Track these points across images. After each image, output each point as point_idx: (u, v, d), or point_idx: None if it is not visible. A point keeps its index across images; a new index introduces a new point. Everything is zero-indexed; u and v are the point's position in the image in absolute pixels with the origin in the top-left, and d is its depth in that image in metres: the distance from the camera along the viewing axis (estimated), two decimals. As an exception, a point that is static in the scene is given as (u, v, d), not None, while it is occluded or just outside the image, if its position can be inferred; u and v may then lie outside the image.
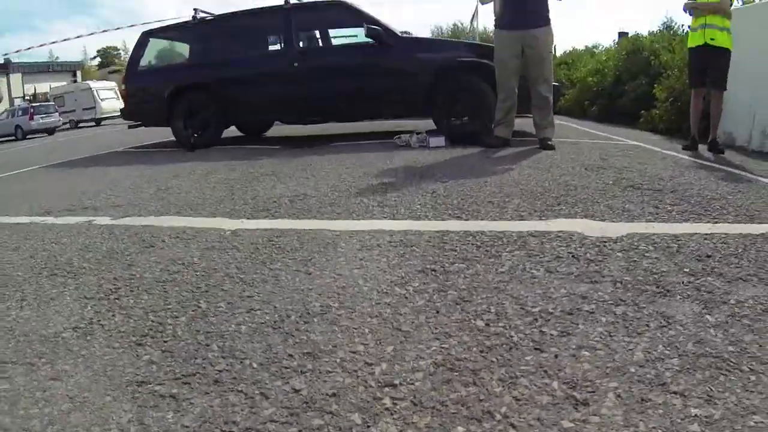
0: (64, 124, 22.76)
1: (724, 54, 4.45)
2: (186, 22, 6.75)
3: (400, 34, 5.35)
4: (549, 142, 4.08)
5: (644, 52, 7.83)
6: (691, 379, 0.96)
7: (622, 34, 24.16)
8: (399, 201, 2.27)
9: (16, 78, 41.44)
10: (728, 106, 4.81)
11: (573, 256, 1.59)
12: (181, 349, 1.18)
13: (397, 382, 0.99)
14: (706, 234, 1.76)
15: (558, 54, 11.91)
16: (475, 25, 20.61)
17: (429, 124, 5.37)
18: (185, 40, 6.82)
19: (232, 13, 7.12)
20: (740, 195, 2.39)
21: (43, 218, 2.67)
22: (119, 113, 26.52)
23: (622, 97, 7.87)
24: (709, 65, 4.49)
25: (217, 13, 7.25)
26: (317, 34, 6.76)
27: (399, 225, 1.93)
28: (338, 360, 1.08)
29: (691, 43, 4.61)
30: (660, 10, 14.06)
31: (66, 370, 1.13)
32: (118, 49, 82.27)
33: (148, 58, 7.06)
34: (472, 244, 1.71)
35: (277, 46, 6.40)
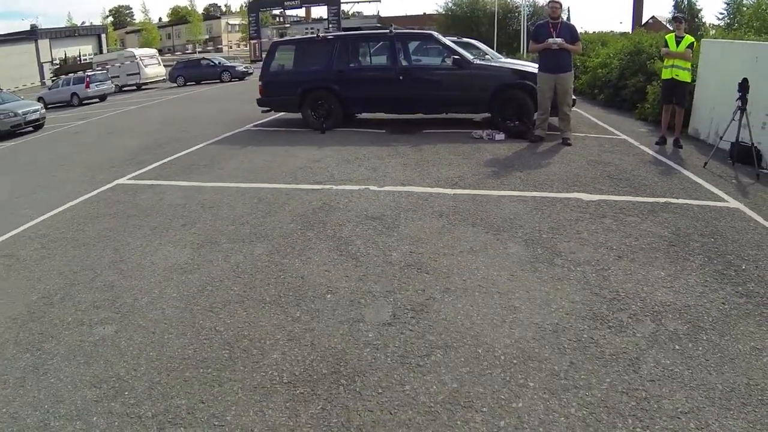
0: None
1: (685, 85, 7.10)
2: (311, 37, 9.67)
3: (472, 61, 8.23)
4: (568, 141, 7.13)
5: (643, 54, 10.27)
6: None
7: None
8: (509, 181, 5.45)
9: (44, 44, 41.94)
10: (697, 112, 7.44)
11: (577, 206, 4.73)
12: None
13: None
14: (626, 201, 4.89)
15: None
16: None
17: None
18: (309, 50, 9.38)
19: (349, 33, 10.20)
20: (658, 182, 5.42)
21: (329, 186, 5.52)
22: (162, 78, 28.80)
23: (625, 89, 10.46)
24: (675, 92, 7.14)
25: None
26: (414, 52, 9.55)
27: (511, 192, 5.09)
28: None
29: (663, 76, 7.25)
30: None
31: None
32: (130, 8, 79.18)
33: (278, 61, 9.74)
34: (540, 201, 4.86)
35: (385, 60, 9.07)
